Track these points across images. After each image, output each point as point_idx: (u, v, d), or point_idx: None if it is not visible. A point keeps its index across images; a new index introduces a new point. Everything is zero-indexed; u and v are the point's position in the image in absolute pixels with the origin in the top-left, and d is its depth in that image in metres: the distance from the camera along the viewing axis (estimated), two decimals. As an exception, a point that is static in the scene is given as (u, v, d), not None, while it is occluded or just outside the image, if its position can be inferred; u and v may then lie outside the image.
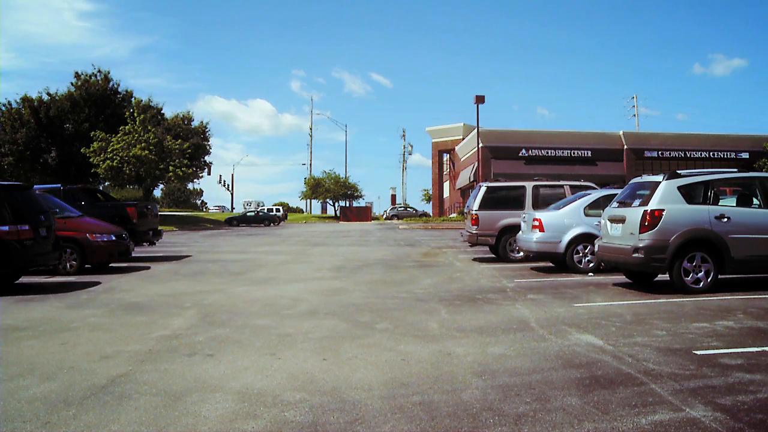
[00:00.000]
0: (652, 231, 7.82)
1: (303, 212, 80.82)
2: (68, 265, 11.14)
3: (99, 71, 47.51)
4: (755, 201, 8.28)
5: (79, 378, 4.27)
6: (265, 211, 56.73)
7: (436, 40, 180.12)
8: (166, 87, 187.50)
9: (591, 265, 10.57)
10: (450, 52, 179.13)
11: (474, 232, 13.16)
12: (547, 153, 40.25)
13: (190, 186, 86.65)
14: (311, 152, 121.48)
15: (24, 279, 10.15)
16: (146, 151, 39.29)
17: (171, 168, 41.21)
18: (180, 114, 53.27)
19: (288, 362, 4.66)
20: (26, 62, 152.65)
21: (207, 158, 55.17)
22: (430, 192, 66.88)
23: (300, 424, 3.34)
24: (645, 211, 7.93)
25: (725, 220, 7.87)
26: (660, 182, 8.10)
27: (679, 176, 8.18)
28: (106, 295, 8.58)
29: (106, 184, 44.63)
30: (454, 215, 45.22)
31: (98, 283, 9.90)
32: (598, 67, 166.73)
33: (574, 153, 40.34)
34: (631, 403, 3.58)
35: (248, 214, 52.38)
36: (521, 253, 12.45)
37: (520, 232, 11.79)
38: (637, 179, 9.30)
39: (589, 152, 40.46)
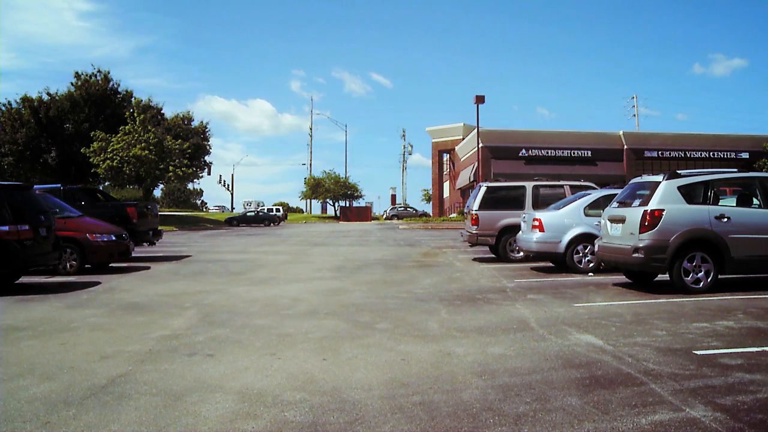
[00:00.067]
0: (652, 231, 7.82)
1: (303, 212, 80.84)
2: (68, 265, 11.14)
3: (99, 71, 47.57)
4: (755, 201, 8.28)
5: (79, 378, 4.27)
6: (265, 211, 56.73)
7: (436, 40, 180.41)
8: (166, 87, 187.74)
9: (591, 265, 10.57)
10: (450, 52, 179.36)
11: (474, 232, 13.15)
12: (547, 153, 40.25)
13: (190, 186, 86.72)
14: (311, 152, 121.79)
15: (24, 279, 10.15)
16: (146, 151, 39.29)
17: (171, 168, 41.20)
18: (180, 114, 53.34)
19: (288, 362, 4.66)
20: (26, 62, 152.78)
21: (207, 158, 55.20)
22: (430, 192, 66.90)
23: (300, 424, 3.34)
24: (645, 211, 7.93)
25: (725, 220, 7.87)
26: (660, 182, 8.10)
27: (679, 176, 8.18)
28: (106, 295, 8.58)
29: (106, 184, 44.62)
30: (454, 215, 45.22)
31: (98, 283, 9.90)
32: (598, 67, 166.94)
33: (574, 153, 40.34)
34: (631, 403, 3.58)
35: (248, 214, 52.38)
36: (521, 253, 12.45)
37: (520, 232, 11.79)
38: (637, 179, 9.30)
39: (589, 152, 40.46)
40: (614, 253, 8.52)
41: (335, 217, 65.65)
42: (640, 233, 7.92)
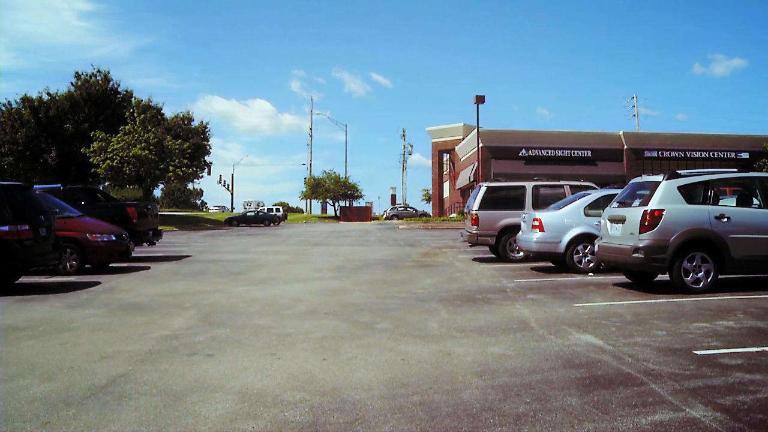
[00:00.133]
0: (652, 231, 7.82)
1: (303, 212, 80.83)
2: (68, 265, 11.14)
3: (99, 71, 47.54)
4: (755, 201, 8.28)
5: (79, 378, 4.27)
6: (265, 211, 56.71)
7: (436, 40, 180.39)
8: (166, 87, 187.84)
9: (591, 265, 10.57)
10: (450, 52, 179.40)
11: (474, 232, 13.15)
12: (547, 153, 40.26)
13: (190, 186, 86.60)
14: (311, 152, 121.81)
15: (24, 279, 10.15)
16: (146, 151, 39.28)
17: (171, 168, 41.19)
18: (180, 114, 53.25)
19: (288, 362, 4.66)
20: (26, 62, 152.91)
21: (207, 158, 55.12)
22: (430, 192, 66.89)
23: (300, 424, 3.34)
24: (645, 211, 7.93)
25: (725, 220, 7.87)
26: (660, 182, 8.10)
27: (679, 176, 8.18)
28: (106, 295, 8.58)
29: (106, 184, 44.60)
30: (454, 215, 45.22)
31: (98, 283, 9.90)
32: (598, 67, 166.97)
33: (574, 153, 40.35)
34: (631, 403, 3.58)
35: (248, 214, 52.37)
36: (521, 253, 12.45)
37: (520, 232, 11.79)
38: (637, 179, 9.30)
39: (589, 152, 40.47)
40: (614, 253, 8.52)
41: (335, 217, 65.64)
42: (640, 233, 7.92)
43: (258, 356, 4.85)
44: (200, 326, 6.13)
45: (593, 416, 3.39)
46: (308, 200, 72.87)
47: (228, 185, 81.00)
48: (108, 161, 39.23)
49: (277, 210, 59.65)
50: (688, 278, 7.81)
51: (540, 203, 12.74)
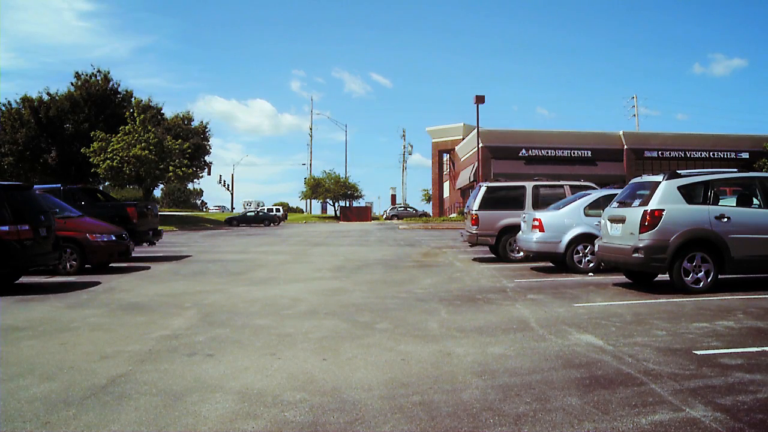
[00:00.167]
0: (652, 231, 7.82)
1: (303, 212, 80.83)
2: (68, 265, 11.14)
3: (99, 71, 47.54)
4: (755, 201, 8.28)
5: (79, 378, 4.27)
6: (265, 211, 56.72)
7: (436, 40, 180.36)
8: (165, 87, 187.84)
9: (591, 265, 10.57)
10: (450, 52, 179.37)
11: (474, 232, 13.16)
12: (547, 153, 40.26)
13: (190, 186, 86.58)
14: (311, 152, 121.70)
15: (24, 279, 10.15)
16: (146, 151, 39.28)
17: (171, 168, 41.19)
18: (180, 114, 53.25)
19: (288, 362, 4.66)
20: (26, 62, 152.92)
21: (207, 158, 55.13)
22: (430, 192, 66.89)
23: (300, 424, 3.34)
24: (645, 211, 7.93)
25: (725, 220, 7.87)
26: (660, 182, 8.10)
27: (679, 176, 8.18)
28: (106, 295, 8.58)
29: (106, 184, 44.61)
30: (454, 215, 45.22)
31: (98, 283, 9.90)
32: (598, 67, 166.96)
33: (574, 153, 40.35)
34: (631, 403, 3.58)
35: (248, 214, 52.38)
36: (521, 253, 12.45)
37: (520, 232, 11.79)
38: (637, 179, 9.30)
39: (589, 152, 40.47)
40: (614, 253, 8.52)
41: (335, 217, 65.64)
42: (640, 233, 7.92)
43: (258, 356, 4.85)
44: (200, 326, 6.13)
45: (593, 416, 3.39)
46: (308, 200, 72.91)
47: (228, 185, 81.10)
48: (108, 161, 39.23)
49: (277, 210, 59.65)
50: (688, 278, 7.81)
51: (540, 203, 12.74)
